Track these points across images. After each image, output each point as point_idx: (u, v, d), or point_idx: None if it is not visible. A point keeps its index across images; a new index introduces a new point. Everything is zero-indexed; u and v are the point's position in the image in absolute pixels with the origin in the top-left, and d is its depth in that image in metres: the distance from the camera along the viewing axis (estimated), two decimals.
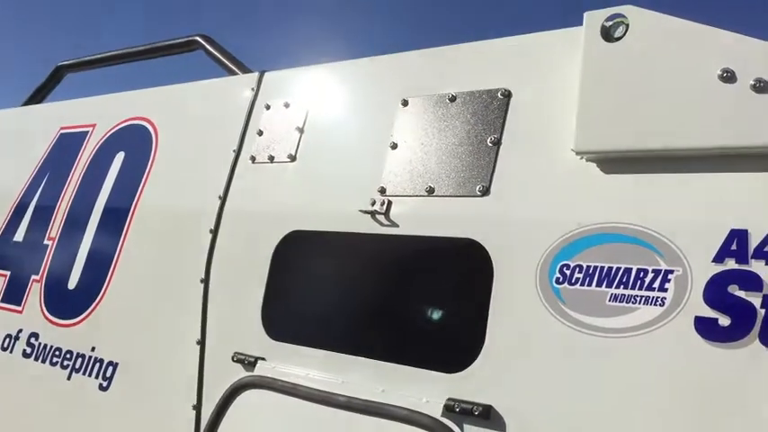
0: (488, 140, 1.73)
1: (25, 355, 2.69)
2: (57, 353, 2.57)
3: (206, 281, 2.18)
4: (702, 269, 1.32)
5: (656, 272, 1.37)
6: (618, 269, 1.41)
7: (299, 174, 2.11)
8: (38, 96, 3.72)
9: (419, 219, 1.78)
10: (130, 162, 2.71)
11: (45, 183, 3.06)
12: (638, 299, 1.38)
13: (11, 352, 2.75)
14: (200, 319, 2.14)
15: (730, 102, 1.34)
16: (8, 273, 2.98)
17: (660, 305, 1.35)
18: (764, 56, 1.33)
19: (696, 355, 1.29)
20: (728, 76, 1.35)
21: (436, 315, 1.77)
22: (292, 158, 2.14)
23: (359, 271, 1.92)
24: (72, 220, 2.80)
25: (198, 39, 2.92)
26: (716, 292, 1.29)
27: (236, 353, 1.99)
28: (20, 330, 2.76)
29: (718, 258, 1.31)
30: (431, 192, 1.77)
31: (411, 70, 2.01)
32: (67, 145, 3.06)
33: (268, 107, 2.31)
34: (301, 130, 2.17)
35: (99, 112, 2.99)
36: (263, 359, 1.93)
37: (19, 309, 2.82)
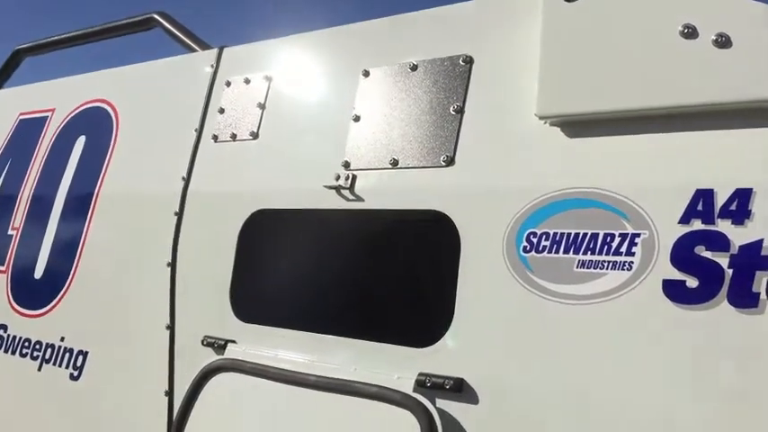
0: (451, 109, 1.68)
1: None
2: (26, 344, 2.52)
3: (173, 264, 2.13)
4: (669, 231, 1.29)
5: (623, 236, 1.34)
6: (585, 235, 1.39)
7: (263, 151, 2.06)
8: None
9: (384, 192, 1.74)
10: (92, 146, 2.64)
11: (6, 172, 2.98)
12: (606, 264, 1.35)
13: None
14: (168, 303, 2.10)
15: (693, 58, 1.31)
16: None
17: (628, 269, 1.32)
18: (726, 10, 1.29)
19: (665, 319, 1.27)
20: (690, 32, 1.31)
21: (404, 289, 1.74)
22: (255, 136, 2.09)
23: (325, 248, 1.88)
24: (35, 208, 2.74)
25: (155, 16, 2.84)
26: (683, 253, 1.27)
27: (205, 336, 1.95)
28: None
29: (684, 219, 1.28)
30: (395, 164, 1.73)
31: (371, 40, 1.96)
32: (27, 131, 2.98)
33: (228, 84, 2.24)
34: (263, 107, 2.11)
35: (58, 96, 2.91)
36: (233, 342, 1.90)
37: None
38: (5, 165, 3.01)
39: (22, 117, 3.05)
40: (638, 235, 1.33)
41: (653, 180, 1.35)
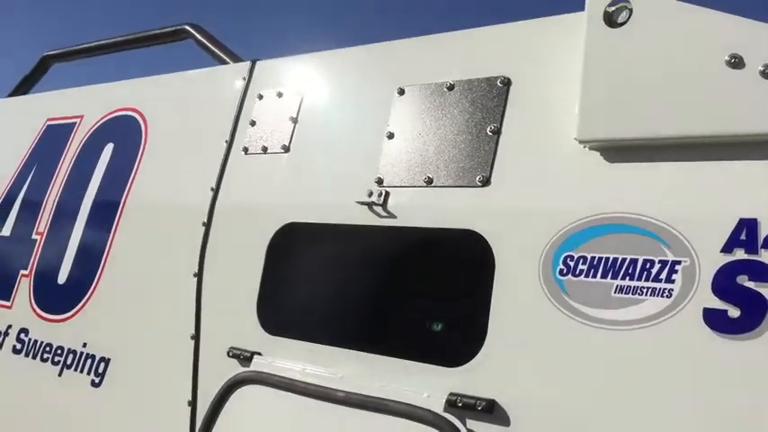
0: (488, 129, 1.69)
1: (15, 351, 2.64)
2: (47, 349, 2.53)
3: (199, 275, 2.14)
4: (710, 260, 1.29)
5: (663, 263, 1.34)
6: (623, 260, 1.38)
7: (294, 165, 2.07)
8: (24, 87, 3.64)
9: (418, 210, 1.74)
10: (120, 154, 2.66)
11: (32, 176, 3.00)
12: (645, 290, 1.35)
13: (0, 348, 2.70)
14: (193, 313, 2.10)
15: (738, 88, 1.31)
16: None
17: (667, 297, 1.32)
18: None
19: (705, 348, 1.26)
20: (736, 62, 1.31)
21: (436, 308, 1.73)
22: (286, 149, 2.10)
23: (356, 264, 1.88)
24: (60, 213, 2.75)
25: (187, 27, 2.86)
26: (725, 282, 1.27)
27: (231, 348, 1.95)
28: (9, 326, 2.71)
29: (727, 248, 1.28)
30: (429, 182, 1.73)
31: (407, 58, 1.97)
32: (54, 137, 3.00)
33: (261, 97, 2.26)
34: (295, 121, 2.12)
35: (86, 103, 2.93)
36: (258, 354, 1.89)
37: (8, 304, 2.77)
38: (31, 169, 3.03)
39: (49, 123, 3.07)
40: (679, 262, 1.32)
41: (695, 208, 1.34)
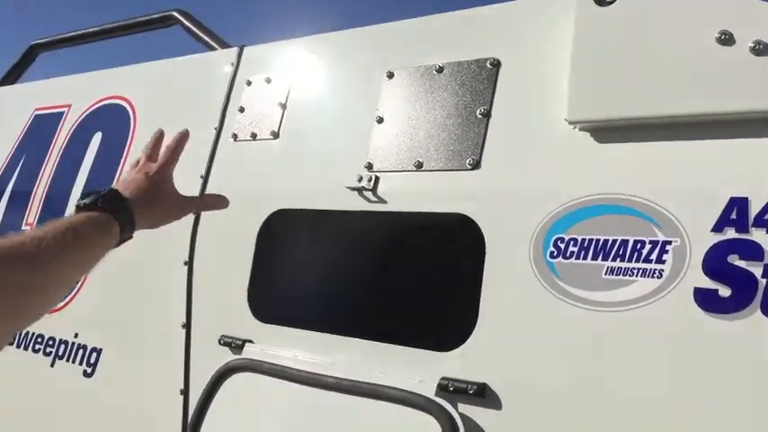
0: (478, 112, 1.67)
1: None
2: (39, 340, 2.51)
3: (190, 263, 2.12)
4: (701, 239, 1.28)
5: (654, 243, 1.33)
6: (614, 241, 1.37)
7: (283, 151, 2.05)
8: (11, 77, 3.61)
9: (408, 194, 1.73)
10: (108, 143, 2.64)
11: (21, 167, 2.98)
12: (636, 271, 1.34)
13: None
14: (185, 302, 2.09)
15: (729, 65, 1.29)
16: None
17: (658, 277, 1.31)
18: (764, 17, 1.28)
19: (696, 327, 1.25)
20: (726, 39, 1.30)
21: (427, 292, 1.73)
22: (275, 135, 2.08)
23: (347, 249, 1.87)
24: (50, 204, 2.73)
25: (175, 14, 2.83)
26: (716, 262, 1.26)
27: (222, 336, 1.94)
28: None
29: (718, 228, 1.27)
30: (419, 166, 1.72)
31: (396, 41, 1.95)
32: (42, 127, 2.98)
33: (249, 83, 2.24)
34: (284, 106, 2.10)
35: (74, 92, 2.91)
36: (250, 342, 1.88)
37: None
38: (20, 159, 3.01)
39: (37, 112, 3.05)
40: (670, 242, 1.31)
41: (685, 188, 1.33)
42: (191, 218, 2.15)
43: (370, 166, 1.81)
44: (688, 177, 1.34)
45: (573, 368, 1.38)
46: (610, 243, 1.38)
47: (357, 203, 1.80)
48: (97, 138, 2.69)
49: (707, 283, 1.26)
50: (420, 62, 1.84)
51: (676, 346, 1.27)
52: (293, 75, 2.13)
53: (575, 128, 1.49)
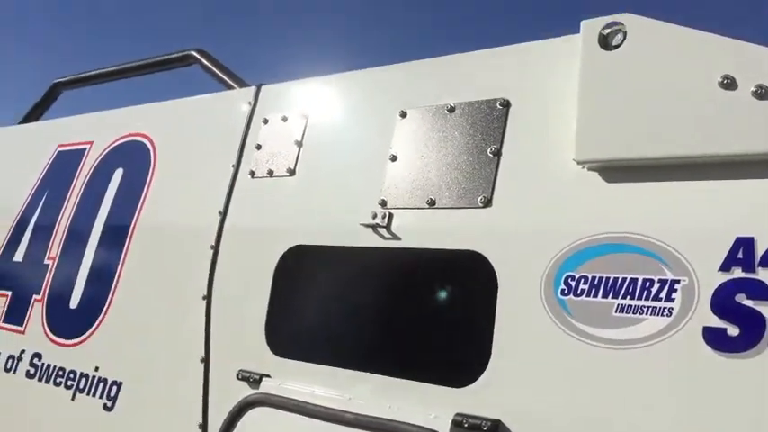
0: (488, 151, 1.72)
1: (29, 375, 2.67)
2: (60, 373, 2.56)
3: (208, 297, 2.17)
4: (709, 278, 1.31)
5: (663, 282, 1.36)
6: (624, 279, 1.40)
7: (299, 188, 2.10)
8: (35, 114, 3.71)
9: (421, 231, 1.77)
10: (129, 179, 2.70)
11: (44, 202, 3.05)
12: (645, 309, 1.36)
13: (14, 373, 2.73)
14: (203, 336, 2.13)
15: (732, 109, 1.33)
16: (9, 293, 2.96)
17: (667, 315, 1.34)
18: (765, 62, 1.32)
19: (705, 366, 1.28)
20: (729, 83, 1.34)
21: (441, 328, 1.75)
22: (291, 172, 2.13)
23: (361, 285, 1.91)
24: (72, 238, 2.79)
25: (194, 53, 2.91)
26: (723, 301, 1.28)
27: (240, 370, 1.97)
28: (22, 351, 2.75)
29: (725, 267, 1.29)
30: (432, 204, 1.76)
31: (409, 81, 2.00)
32: (65, 163, 3.05)
33: (266, 121, 2.30)
34: (300, 144, 2.16)
35: (96, 129, 2.98)
36: (267, 376, 1.92)
37: (21, 329, 2.80)
38: (43, 195, 3.08)
39: (60, 149, 3.13)
40: (678, 281, 1.34)
41: (692, 227, 1.36)
42: (209, 253, 2.20)
43: (383, 204, 1.85)
44: (694, 217, 1.37)
45: (584, 405, 1.40)
46: (620, 281, 1.41)
47: (371, 240, 1.84)
48: (118, 174, 2.76)
49: (716, 322, 1.28)
50: (432, 102, 1.89)
51: (686, 385, 1.29)
52: (309, 113, 2.19)
53: (583, 167, 1.53)
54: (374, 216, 1.84)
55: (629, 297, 1.39)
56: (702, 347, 1.28)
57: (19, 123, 3.64)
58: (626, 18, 1.51)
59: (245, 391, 1.93)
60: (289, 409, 1.80)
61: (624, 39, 1.51)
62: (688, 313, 1.31)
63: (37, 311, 2.77)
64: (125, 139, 2.82)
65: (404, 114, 1.93)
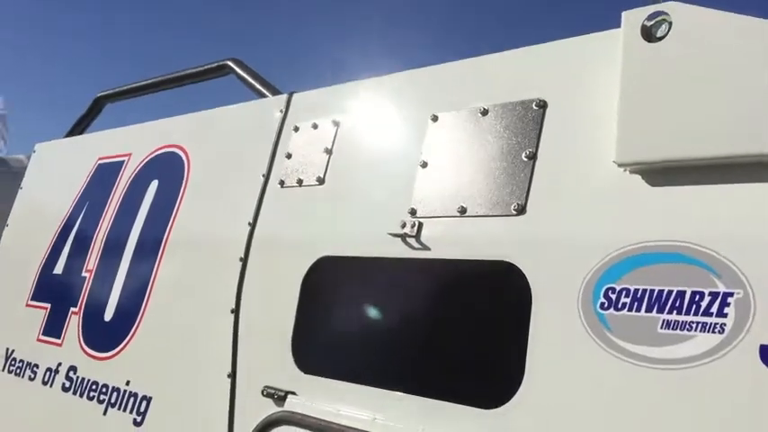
0: (523, 155, 1.61)
1: (64, 389, 2.66)
2: (93, 387, 2.53)
3: (236, 311, 2.10)
4: (767, 291, 1.16)
5: (714, 295, 1.22)
6: (669, 292, 1.27)
7: (328, 197, 2.02)
8: (79, 127, 3.74)
9: (451, 241, 1.66)
10: (164, 190, 2.68)
11: (84, 214, 3.06)
12: (694, 325, 1.23)
13: (51, 386, 2.73)
14: (230, 351, 2.06)
15: None
16: (49, 305, 2.97)
17: (719, 332, 1.20)
18: None
19: (763, 388, 1.13)
20: None
21: (472, 345, 1.64)
22: (321, 181, 2.06)
23: (390, 298, 1.81)
24: (108, 251, 2.78)
25: (229, 63, 2.88)
26: None
27: (265, 387, 1.90)
28: (59, 364, 2.74)
29: None
30: (463, 212, 1.66)
31: (440, 84, 1.91)
32: (105, 175, 3.06)
33: (296, 129, 2.23)
34: (330, 152, 2.08)
35: (134, 142, 2.98)
36: (293, 393, 1.83)
37: (59, 342, 2.80)
38: (83, 207, 3.09)
39: (100, 161, 3.14)
40: (731, 294, 1.20)
41: (746, 234, 1.22)
42: (238, 266, 2.14)
43: (413, 212, 1.76)
44: (748, 223, 1.23)
45: (625, 429, 1.27)
46: (665, 294, 1.28)
47: (400, 250, 1.75)
48: (154, 185, 2.74)
49: None
50: (464, 105, 1.79)
51: (740, 410, 1.15)
52: (339, 120, 2.12)
53: (625, 170, 1.41)
54: (403, 225, 1.75)
55: (675, 312, 1.25)
56: (759, 367, 1.14)
57: (64, 137, 3.68)
58: (670, 6, 1.38)
59: (270, 408, 1.85)
60: (313, 429, 1.71)
61: (669, 29, 1.38)
62: (743, 330, 1.17)
63: (74, 324, 2.76)
64: (161, 151, 2.80)
65: (435, 118, 1.84)
